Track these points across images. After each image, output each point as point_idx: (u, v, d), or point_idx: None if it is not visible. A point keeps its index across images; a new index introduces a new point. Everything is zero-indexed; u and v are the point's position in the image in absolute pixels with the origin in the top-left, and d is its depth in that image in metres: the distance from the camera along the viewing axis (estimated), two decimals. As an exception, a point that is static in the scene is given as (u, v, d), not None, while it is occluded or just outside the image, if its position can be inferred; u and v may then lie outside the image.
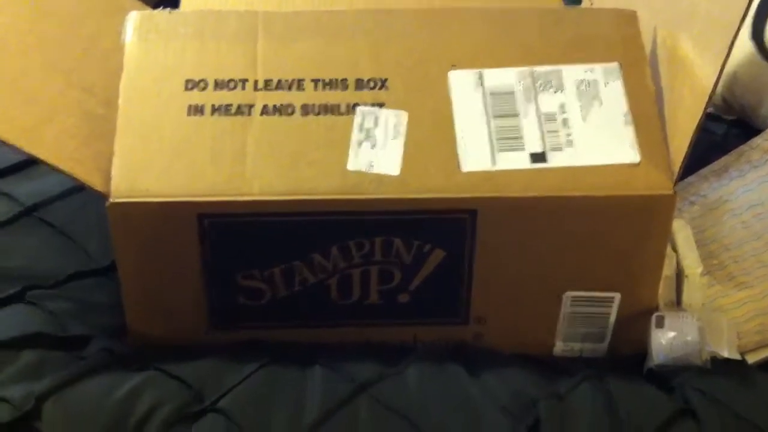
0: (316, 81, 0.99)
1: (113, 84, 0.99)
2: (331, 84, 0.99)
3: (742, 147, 1.11)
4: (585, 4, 1.25)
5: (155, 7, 1.08)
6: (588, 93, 0.99)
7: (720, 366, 0.97)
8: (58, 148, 0.96)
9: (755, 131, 1.16)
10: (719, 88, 1.26)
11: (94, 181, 0.94)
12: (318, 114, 0.97)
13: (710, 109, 1.28)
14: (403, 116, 0.97)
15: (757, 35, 1.21)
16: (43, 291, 1.03)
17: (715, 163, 1.12)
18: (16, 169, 1.15)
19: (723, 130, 1.27)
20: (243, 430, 0.92)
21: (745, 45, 1.21)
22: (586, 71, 1.00)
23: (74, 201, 1.12)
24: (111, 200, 0.93)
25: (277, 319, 1.00)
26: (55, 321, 1.00)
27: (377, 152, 0.95)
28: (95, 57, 1.05)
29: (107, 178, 0.94)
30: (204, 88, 0.98)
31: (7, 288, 1.02)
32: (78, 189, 1.10)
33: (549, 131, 0.97)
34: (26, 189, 1.13)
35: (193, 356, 0.97)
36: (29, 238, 1.09)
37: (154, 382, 0.94)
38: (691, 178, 1.11)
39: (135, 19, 1.02)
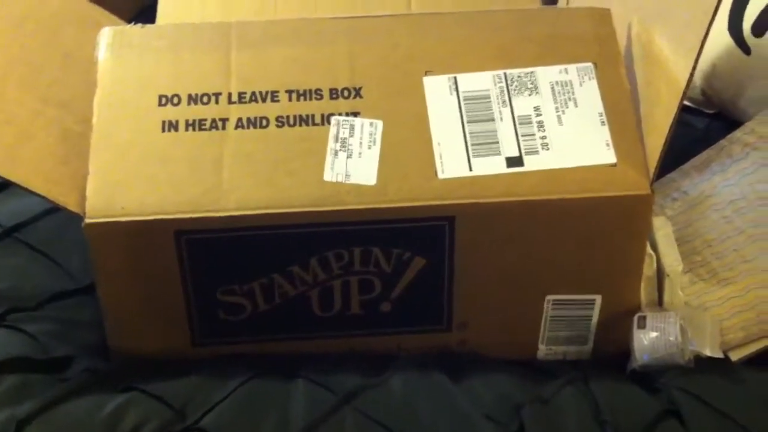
0: (290, 92, 0.99)
1: (90, 100, 0.98)
2: (305, 95, 0.98)
3: (722, 141, 1.10)
4: (561, 3, 1.25)
5: (129, 21, 1.07)
6: (563, 94, 0.98)
7: (704, 364, 0.97)
8: (36, 169, 0.96)
9: (736, 124, 1.15)
10: (699, 83, 1.25)
11: (70, 202, 0.94)
12: (293, 125, 0.97)
13: (691, 104, 1.28)
14: (379, 125, 0.97)
15: (734, 28, 1.20)
16: (24, 313, 1.02)
17: (696, 158, 1.11)
18: (-4, 190, 1.15)
19: (704, 125, 1.27)
20: (226, 447, 0.92)
21: (722, 38, 1.20)
22: (560, 72, 1.00)
23: (55, 220, 1.11)
24: (86, 220, 0.93)
25: (259, 333, 0.99)
26: (36, 344, 0.99)
27: (353, 162, 0.95)
28: (72, 72, 1.04)
29: (84, 198, 0.94)
30: (177, 104, 0.98)
31: (-12, 311, 1.02)
32: (58, 208, 1.10)
33: (524, 135, 0.96)
34: (7, 209, 1.13)
35: (175, 374, 0.96)
36: (10, 259, 1.09)
37: (136, 402, 0.93)
38: (672, 174, 1.11)
39: (108, 35, 1.02)
